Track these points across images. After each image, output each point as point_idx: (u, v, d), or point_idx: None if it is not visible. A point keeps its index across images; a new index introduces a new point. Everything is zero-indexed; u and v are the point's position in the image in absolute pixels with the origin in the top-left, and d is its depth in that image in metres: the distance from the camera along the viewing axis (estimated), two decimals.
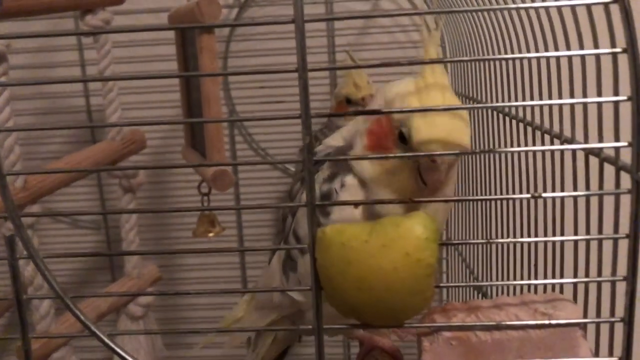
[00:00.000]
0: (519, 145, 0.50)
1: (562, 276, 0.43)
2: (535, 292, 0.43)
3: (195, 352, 1.05)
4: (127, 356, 0.39)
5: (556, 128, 0.45)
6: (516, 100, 0.52)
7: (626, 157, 0.36)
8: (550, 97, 0.44)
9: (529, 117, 0.51)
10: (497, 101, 0.58)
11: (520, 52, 0.51)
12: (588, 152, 0.41)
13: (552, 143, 0.46)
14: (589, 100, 0.36)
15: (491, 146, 0.59)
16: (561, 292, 0.42)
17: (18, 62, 0.94)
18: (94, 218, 1.03)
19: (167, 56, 0.81)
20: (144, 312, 0.83)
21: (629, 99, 0.34)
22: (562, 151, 0.44)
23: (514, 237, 0.45)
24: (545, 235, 0.43)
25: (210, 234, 0.69)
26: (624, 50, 0.34)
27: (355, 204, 0.42)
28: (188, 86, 0.74)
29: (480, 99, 0.67)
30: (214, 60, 0.62)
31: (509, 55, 0.50)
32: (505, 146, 0.53)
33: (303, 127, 0.35)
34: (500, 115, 0.58)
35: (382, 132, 0.42)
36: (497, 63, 0.59)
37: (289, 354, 0.67)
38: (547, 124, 0.47)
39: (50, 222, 1.02)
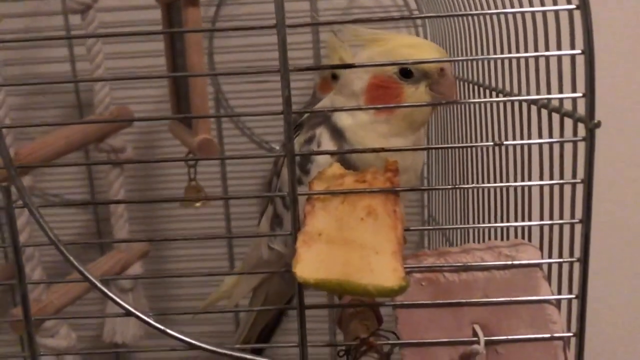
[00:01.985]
0: (486, 108, 0.53)
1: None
2: (507, 236, 0.46)
3: (186, 328, 1.07)
4: (120, 301, 0.41)
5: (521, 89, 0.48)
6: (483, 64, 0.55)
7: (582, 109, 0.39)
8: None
9: (494, 83, 0.54)
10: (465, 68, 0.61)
11: (487, 8, 0.53)
12: (550, 109, 0.44)
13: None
14: (548, 53, 0.39)
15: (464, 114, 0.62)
16: (529, 239, 0.45)
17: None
18: (83, 196, 1.05)
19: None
20: (133, 284, 0.86)
21: (583, 52, 0.37)
22: (529, 108, 0.46)
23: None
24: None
25: (197, 204, 0.71)
26: (577, 7, 0.37)
27: (333, 153, 0.45)
28: (173, 52, 0.75)
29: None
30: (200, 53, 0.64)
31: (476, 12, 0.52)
32: (472, 110, 0.56)
33: (282, 80, 0.38)
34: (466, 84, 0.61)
35: (382, 83, 0.45)
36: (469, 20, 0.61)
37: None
38: (508, 86, 0.50)
39: (39, 202, 1.04)
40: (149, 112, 0.99)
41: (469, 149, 0.55)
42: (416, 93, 0.44)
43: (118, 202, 0.78)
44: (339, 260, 0.37)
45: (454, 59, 0.42)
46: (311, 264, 0.37)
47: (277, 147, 1.04)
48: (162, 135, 0.99)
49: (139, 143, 1.01)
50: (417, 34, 0.94)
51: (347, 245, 0.37)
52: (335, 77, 0.85)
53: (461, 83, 0.63)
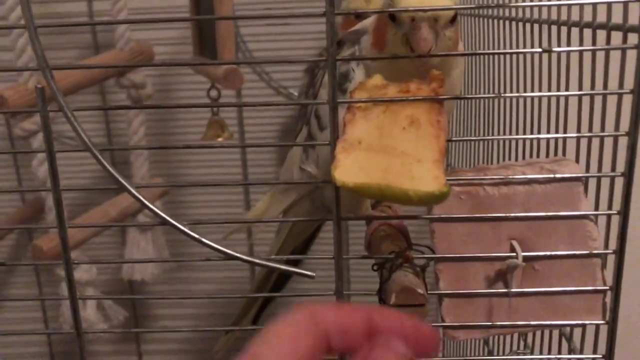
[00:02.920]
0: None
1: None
2: (538, 154, 0.45)
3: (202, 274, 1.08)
4: (155, 209, 0.41)
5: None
6: None
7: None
8: None
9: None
10: None
11: None
12: (595, 26, 0.43)
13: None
14: None
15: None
16: (564, 153, 0.44)
17: None
18: (100, 140, 1.04)
19: None
20: (153, 222, 0.86)
21: None
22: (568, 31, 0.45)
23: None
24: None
25: (220, 138, 0.71)
26: None
27: (373, 59, 0.44)
28: None
29: None
30: None
31: None
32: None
33: (327, 23, 0.37)
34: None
35: (381, 24, 0.45)
36: None
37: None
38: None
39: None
40: (171, 46, 0.97)
41: (514, 56, 0.52)
42: (394, 39, 0.43)
43: (143, 107, 0.77)
44: (379, 167, 0.36)
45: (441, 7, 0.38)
46: (350, 169, 0.36)
47: (296, 94, 1.03)
48: (183, 71, 0.98)
49: (160, 81, 1.00)
50: None
51: (388, 153, 0.37)
52: (358, 16, 0.83)
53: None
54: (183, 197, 1.09)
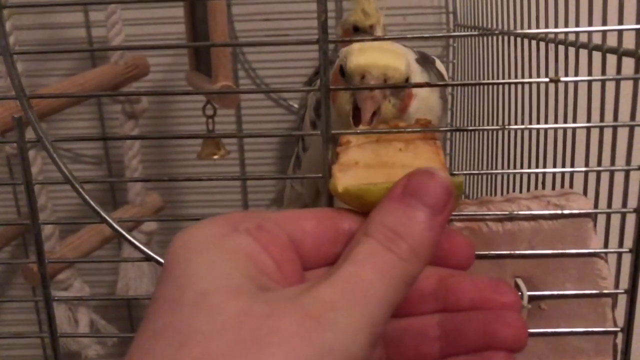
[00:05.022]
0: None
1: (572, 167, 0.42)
2: (544, 184, 0.43)
3: None
4: (137, 243, 0.39)
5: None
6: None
7: None
8: None
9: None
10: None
11: None
12: (605, 49, 0.40)
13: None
14: None
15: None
16: (571, 184, 0.41)
17: None
18: (96, 152, 1.03)
19: None
20: (148, 239, 0.84)
21: None
22: (576, 51, 0.43)
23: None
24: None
25: (215, 157, 0.68)
26: None
27: (371, 89, 0.42)
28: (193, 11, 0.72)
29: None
30: None
31: None
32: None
33: (318, 4, 0.34)
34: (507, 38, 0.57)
35: (335, 76, 0.46)
36: None
37: None
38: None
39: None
40: (166, 64, 0.96)
41: (519, 86, 0.51)
42: (342, 93, 0.44)
43: (132, 137, 0.76)
44: (382, 175, 0.32)
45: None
46: (351, 180, 0.32)
47: (296, 105, 1.01)
48: (178, 89, 0.96)
49: (155, 96, 0.98)
50: None
51: (389, 167, 0.33)
52: (357, 29, 0.81)
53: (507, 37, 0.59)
54: (181, 209, 1.07)
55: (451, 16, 0.93)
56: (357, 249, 0.25)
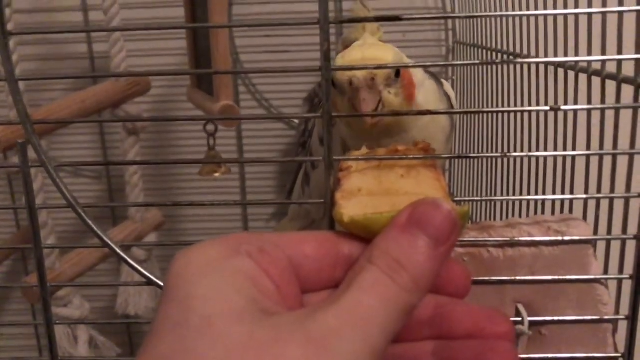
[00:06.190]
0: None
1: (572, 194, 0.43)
2: (543, 209, 0.43)
3: None
4: (137, 266, 0.39)
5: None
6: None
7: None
8: None
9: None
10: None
11: None
12: (604, 76, 0.41)
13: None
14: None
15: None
16: (571, 209, 0.42)
17: (20, 7, 0.93)
18: (96, 167, 1.03)
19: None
20: (147, 256, 0.83)
21: None
22: (576, 76, 0.43)
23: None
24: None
25: (216, 174, 0.69)
26: None
27: (370, 115, 0.42)
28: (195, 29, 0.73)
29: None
30: (224, 4, 0.61)
31: None
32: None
33: (321, 32, 0.35)
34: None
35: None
36: None
37: None
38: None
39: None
40: (168, 79, 0.96)
41: (520, 114, 0.51)
42: (342, 105, 0.43)
43: (134, 163, 0.76)
44: (386, 204, 0.32)
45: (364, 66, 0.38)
46: (355, 208, 0.32)
47: (296, 121, 1.01)
48: (179, 105, 0.96)
49: (156, 112, 0.98)
50: None
51: (392, 194, 0.34)
52: None
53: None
54: (181, 224, 1.07)
55: (450, 33, 0.94)
56: (361, 275, 0.26)
